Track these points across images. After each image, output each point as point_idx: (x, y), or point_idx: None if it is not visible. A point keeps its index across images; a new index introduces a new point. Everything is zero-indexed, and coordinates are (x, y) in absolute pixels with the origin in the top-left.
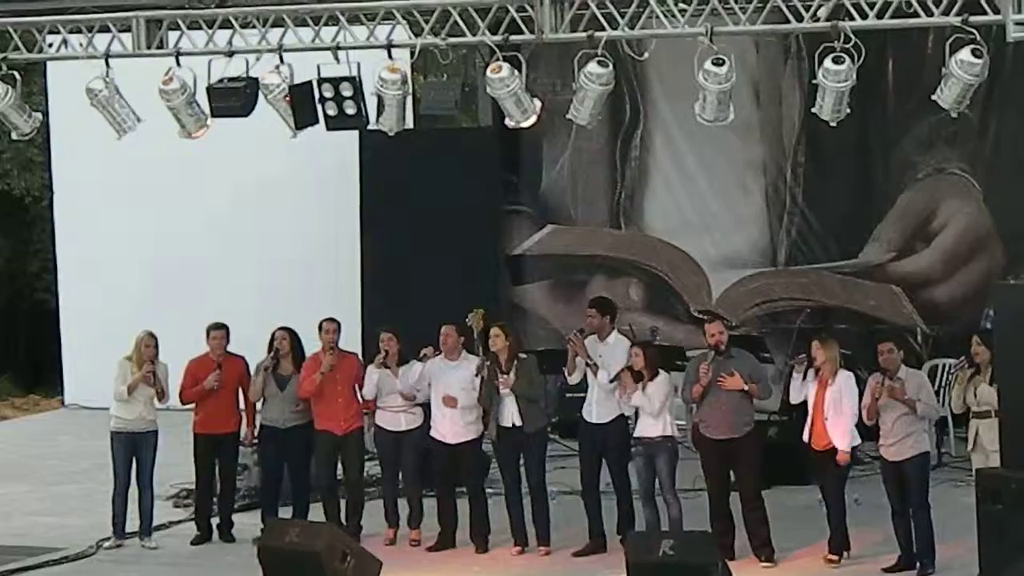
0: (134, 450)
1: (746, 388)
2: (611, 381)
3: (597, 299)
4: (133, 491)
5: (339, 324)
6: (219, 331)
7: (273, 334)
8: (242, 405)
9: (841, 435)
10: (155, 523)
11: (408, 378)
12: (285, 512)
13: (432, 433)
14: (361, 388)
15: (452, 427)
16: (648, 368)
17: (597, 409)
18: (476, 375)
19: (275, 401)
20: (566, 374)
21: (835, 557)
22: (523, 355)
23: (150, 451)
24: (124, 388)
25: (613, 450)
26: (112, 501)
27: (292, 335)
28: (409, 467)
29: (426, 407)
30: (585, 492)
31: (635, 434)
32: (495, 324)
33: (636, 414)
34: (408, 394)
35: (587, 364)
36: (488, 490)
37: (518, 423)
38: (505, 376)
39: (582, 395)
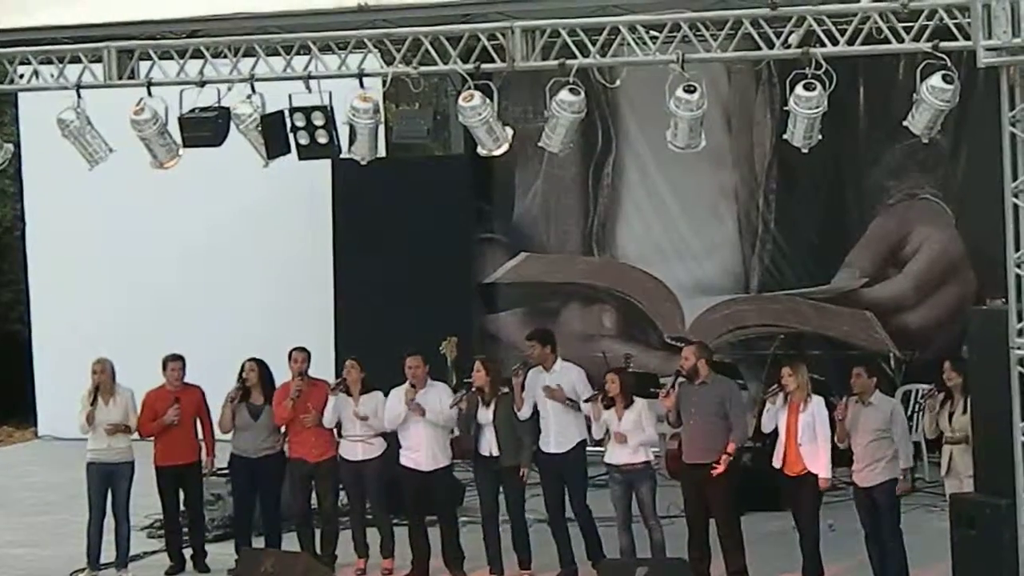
0: (108, 481)
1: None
2: (586, 401)
3: (535, 331)
4: (109, 522)
5: (309, 353)
6: (176, 362)
7: (243, 365)
8: (201, 435)
9: (819, 461)
10: (130, 554)
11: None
12: (258, 542)
13: (403, 462)
14: None
15: (426, 455)
16: (622, 395)
17: (556, 439)
18: (452, 406)
19: (248, 431)
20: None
21: None
22: (505, 389)
23: (125, 482)
24: (83, 420)
25: (574, 478)
26: (87, 531)
27: (261, 366)
28: (374, 496)
29: (387, 437)
30: (552, 521)
31: (611, 461)
32: (477, 358)
33: (604, 440)
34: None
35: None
36: (463, 518)
37: (495, 453)
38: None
39: None
